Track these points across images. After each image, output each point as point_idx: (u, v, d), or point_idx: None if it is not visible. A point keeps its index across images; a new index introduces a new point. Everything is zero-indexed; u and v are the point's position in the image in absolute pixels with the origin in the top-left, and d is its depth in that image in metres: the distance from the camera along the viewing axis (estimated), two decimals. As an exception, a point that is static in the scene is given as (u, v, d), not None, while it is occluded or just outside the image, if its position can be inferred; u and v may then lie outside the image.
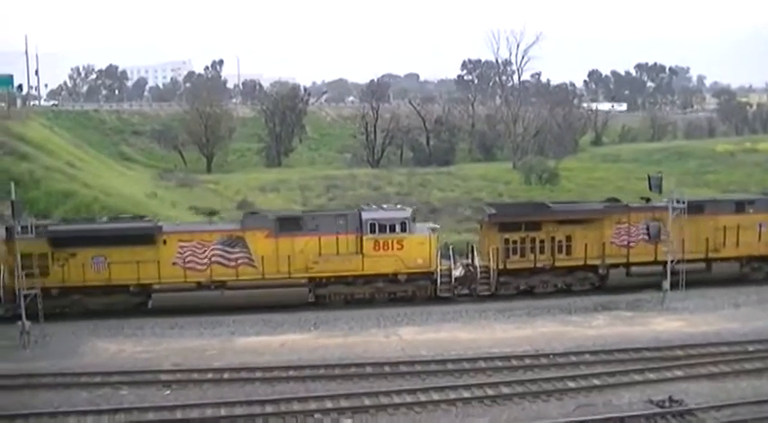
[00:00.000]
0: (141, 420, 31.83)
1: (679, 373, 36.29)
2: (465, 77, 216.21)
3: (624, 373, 36.16)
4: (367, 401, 33.37)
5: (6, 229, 49.65)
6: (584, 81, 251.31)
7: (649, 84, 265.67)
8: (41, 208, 65.84)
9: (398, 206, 55.36)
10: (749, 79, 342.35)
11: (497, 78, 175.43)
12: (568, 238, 52.44)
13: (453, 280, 51.51)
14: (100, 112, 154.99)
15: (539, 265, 52.35)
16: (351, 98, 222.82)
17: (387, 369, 37.49)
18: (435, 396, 33.86)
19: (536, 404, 33.26)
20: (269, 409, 32.66)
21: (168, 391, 35.32)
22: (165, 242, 49.47)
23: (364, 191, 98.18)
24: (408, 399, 33.61)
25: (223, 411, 32.46)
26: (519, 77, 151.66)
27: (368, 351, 40.59)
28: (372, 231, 50.15)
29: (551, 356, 39.02)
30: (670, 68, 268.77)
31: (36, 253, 47.69)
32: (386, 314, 48.20)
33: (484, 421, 31.70)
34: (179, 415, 32.21)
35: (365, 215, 50.78)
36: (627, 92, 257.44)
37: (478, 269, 51.88)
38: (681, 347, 39.78)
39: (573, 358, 38.72)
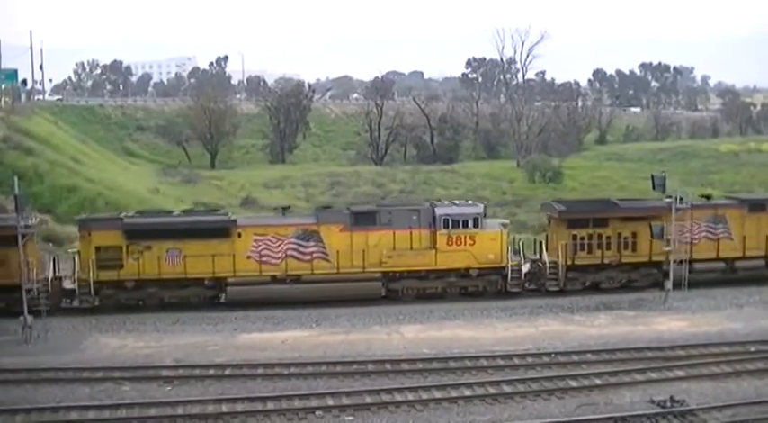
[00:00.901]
0: (143, 416, 31.84)
1: (681, 372, 36.23)
2: (470, 76, 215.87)
3: (626, 373, 36.10)
4: (368, 399, 33.35)
5: (82, 221, 50.74)
6: (589, 80, 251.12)
7: (654, 83, 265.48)
8: (45, 202, 66.03)
9: (470, 202, 55.44)
10: (754, 79, 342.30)
11: (502, 77, 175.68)
12: (634, 235, 52.85)
13: (523, 275, 51.98)
14: (104, 108, 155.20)
15: (605, 261, 52.57)
16: (355, 95, 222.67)
17: (388, 366, 37.46)
18: (437, 394, 33.84)
19: (537, 403, 33.22)
20: (270, 405, 32.64)
21: (170, 387, 35.35)
22: (239, 235, 49.82)
23: (368, 188, 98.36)
24: (410, 396, 33.57)
25: (224, 408, 32.44)
26: (523, 76, 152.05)
27: (370, 348, 40.58)
28: (446, 226, 50.39)
29: (553, 355, 38.99)
30: (674, 68, 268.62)
31: (111, 245, 48.51)
32: (388, 312, 48.19)
33: (485, 420, 31.67)
34: (180, 411, 32.20)
35: (439, 210, 51.00)
36: (631, 91, 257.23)
37: (547, 265, 52.24)
38: (683, 347, 39.71)
39: (575, 357, 38.67)
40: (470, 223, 50.52)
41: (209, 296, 50.33)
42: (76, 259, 49.11)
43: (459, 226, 50.36)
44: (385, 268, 50.44)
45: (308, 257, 50.04)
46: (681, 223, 51.81)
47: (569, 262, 52.11)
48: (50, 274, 49.24)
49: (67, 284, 50.39)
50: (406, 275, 50.94)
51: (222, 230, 49.73)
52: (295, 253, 49.94)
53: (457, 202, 54.67)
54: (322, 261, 50.12)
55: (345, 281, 49.86)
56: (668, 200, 51.82)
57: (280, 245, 49.90)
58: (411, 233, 50.51)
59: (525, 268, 52.73)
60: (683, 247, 51.83)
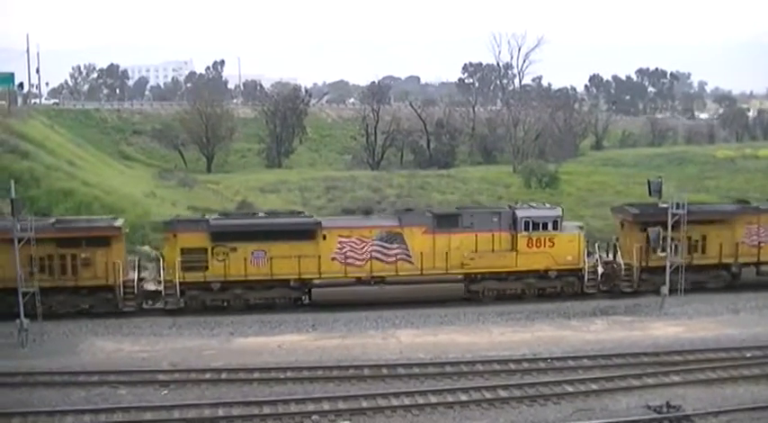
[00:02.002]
0: (139, 420, 31.84)
1: (677, 378, 36.33)
2: (466, 80, 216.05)
3: (622, 378, 36.21)
4: (364, 403, 33.41)
5: (168, 223, 51.84)
6: (586, 85, 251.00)
7: (650, 89, 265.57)
8: (41, 206, 65.75)
9: (547, 205, 56.47)
10: (750, 85, 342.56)
11: (498, 81, 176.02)
12: (703, 238, 53.95)
13: (599, 277, 52.73)
14: (101, 111, 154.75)
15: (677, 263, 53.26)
16: (352, 100, 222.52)
17: (384, 371, 37.53)
18: (433, 399, 33.91)
19: (533, 408, 33.30)
20: (266, 410, 32.71)
21: (166, 391, 35.35)
22: (324, 237, 50.70)
23: (364, 192, 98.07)
24: (406, 401, 33.66)
25: (221, 412, 32.50)
26: (520, 81, 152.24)
27: (366, 353, 40.64)
28: (526, 229, 51.64)
29: (549, 360, 39.05)
30: (671, 74, 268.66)
31: (197, 247, 49.25)
32: (384, 316, 48.28)
33: (481, 424, 31.73)
34: (176, 415, 32.25)
35: (520, 213, 52.16)
36: (628, 97, 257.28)
37: (622, 267, 53.21)
38: (679, 353, 39.83)
39: (571, 362, 38.76)
40: (550, 226, 51.80)
41: (294, 298, 51.00)
42: (161, 261, 49.98)
43: (539, 228, 51.70)
44: (467, 270, 51.57)
45: (392, 259, 51.04)
46: (750, 227, 53.59)
47: (643, 264, 53.01)
48: (135, 276, 50.10)
49: (150, 286, 51.23)
50: (486, 277, 51.86)
51: (308, 232, 50.65)
52: (379, 255, 50.94)
53: (534, 204, 55.89)
54: (405, 263, 51.13)
55: (428, 282, 50.77)
56: (738, 205, 54.53)
57: (364, 246, 50.92)
58: (492, 235, 51.61)
59: (600, 270, 53.60)
60: (752, 249, 53.86)
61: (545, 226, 51.67)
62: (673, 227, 51.55)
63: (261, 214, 56.10)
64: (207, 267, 49.65)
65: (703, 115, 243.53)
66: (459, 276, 51.45)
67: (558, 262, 51.94)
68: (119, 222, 51.49)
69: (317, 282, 50.44)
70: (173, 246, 49.73)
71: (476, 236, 51.36)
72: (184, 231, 50.00)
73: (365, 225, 51.86)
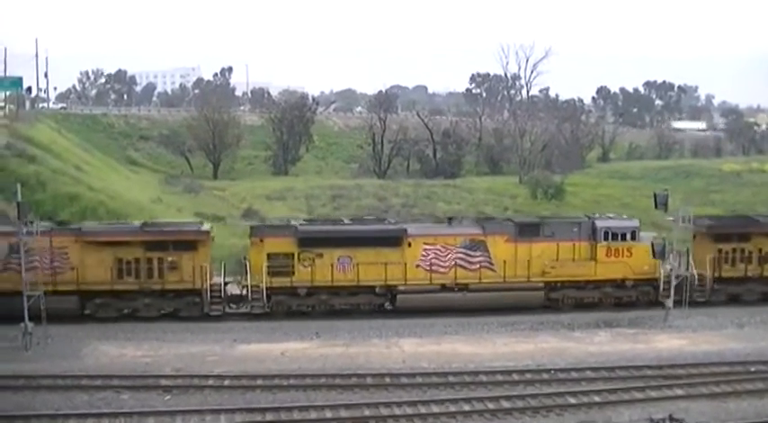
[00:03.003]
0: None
1: (680, 391, 36.26)
2: (473, 91, 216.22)
3: (625, 391, 36.13)
4: (367, 412, 33.39)
5: (256, 228, 52.69)
6: (593, 97, 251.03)
7: (658, 102, 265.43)
8: (47, 210, 65.82)
9: (624, 216, 57.31)
10: (758, 99, 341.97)
11: (506, 92, 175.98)
12: None
13: (673, 287, 52.61)
14: (108, 117, 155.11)
15: (748, 274, 54.47)
16: (359, 108, 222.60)
17: (387, 380, 37.48)
18: (435, 408, 33.86)
19: (536, 419, 33.28)
20: (269, 417, 32.69)
21: (168, 397, 35.35)
22: (410, 244, 51.15)
23: (370, 201, 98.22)
24: (408, 410, 33.62)
25: (223, 419, 32.48)
26: (527, 92, 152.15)
27: (369, 362, 40.59)
28: (606, 239, 52.37)
29: (552, 372, 38.99)
30: (678, 87, 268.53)
31: (283, 252, 49.89)
32: (387, 325, 48.27)
33: (483, 435, 31.69)
34: (179, 420, 32.26)
35: (599, 223, 53.00)
36: (635, 109, 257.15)
37: (695, 277, 53.59)
38: (682, 366, 39.72)
39: (574, 374, 38.69)
40: (628, 236, 52.35)
41: (379, 304, 51.45)
42: (248, 265, 50.14)
43: (618, 238, 52.34)
44: (547, 278, 52.15)
45: (476, 267, 51.59)
46: None
47: (715, 274, 53.86)
48: (222, 280, 50.49)
49: (234, 290, 51.52)
50: (566, 285, 52.45)
51: (394, 239, 51.18)
52: (462, 262, 51.31)
53: (611, 215, 56.83)
54: (488, 270, 51.55)
55: (510, 290, 51.27)
56: None
57: (448, 254, 51.36)
58: (573, 245, 52.35)
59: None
60: None
61: (623, 236, 52.48)
62: (745, 239, 53.48)
63: (346, 220, 56.85)
64: (293, 272, 50.26)
65: (700, 125, 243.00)
66: (540, 284, 52.11)
67: (635, 271, 52.62)
68: (206, 227, 52.46)
69: (402, 288, 50.93)
70: (259, 250, 50.30)
71: (557, 245, 52.21)
72: (272, 236, 50.72)
73: (450, 233, 52.34)
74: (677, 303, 51.47)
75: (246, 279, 49.91)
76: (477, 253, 51.52)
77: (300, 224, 52.85)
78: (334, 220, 60.74)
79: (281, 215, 79.15)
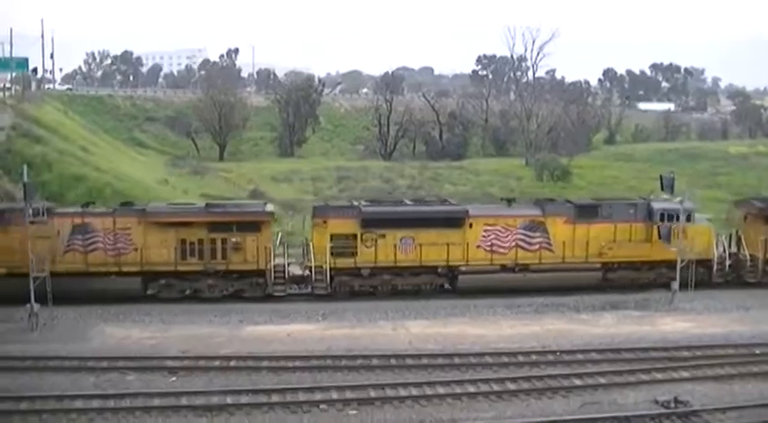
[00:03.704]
0: (147, 406, 31.89)
1: (685, 373, 36.23)
2: (480, 72, 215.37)
3: (630, 373, 36.10)
4: (372, 393, 33.40)
5: (319, 208, 52.91)
6: (599, 79, 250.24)
7: (664, 84, 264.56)
8: (54, 191, 66.02)
9: (679, 199, 56.87)
10: (764, 82, 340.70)
11: (512, 74, 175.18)
12: None
13: (727, 267, 53.94)
14: (114, 98, 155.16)
15: None
16: (365, 90, 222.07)
17: (393, 362, 37.50)
18: (441, 390, 33.87)
19: (541, 401, 33.26)
20: (275, 398, 32.70)
21: (174, 378, 35.41)
22: (471, 225, 51.55)
23: (376, 183, 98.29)
24: (414, 392, 33.62)
25: (229, 399, 32.51)
26: (534, 74, 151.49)
27: (375, 343, 40.58)
28: (662, 220, 52.70)
29: (558, 353, 39.00)
30: (685, 69, 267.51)
31: (347, 233, 50.34)
32: (394, 307, 48.25)
33: (489, 417, 31.69)
34: (184, 402, 32.28)
35: (655, 205, 53.63)
36: (641, 92, 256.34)
37: (747, 258, 54.46)
38: (688, 348, 39.70)
39: (579, 356, 38.67)
40: (683, 217, 52.24)
41: (440, 284, 52.00)
42: (310, 246, 50.68)
43: (673, 220, 52.47)
44: (605, 259, 52.71)
45: (535, 247, 52.25)
46: None
47: (767, 255, 54.45)
48: (285, 261, 51.12)
49: (296, 271, 52.12)
50: (622, 266, 53.00)
51: (455, 220, 51.62)
52: (522, 243, 51.89)
53: (665, 197, 56.59)
54: (547, 251, 52.24)
55: (568, 270, 51.86)
56: None
57: (508, 235, 51.89)
58: (630, 226, 53.14)
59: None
60: None
61: (679, 218, 52.53)
62: None
63: (408, 202, 57.19)
64: (355, 253, 50.66)
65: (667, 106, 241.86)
66: (597, 265, 52.70)
67: (691, 252, 52.59)
68: (269, 207, 52.91)
69: (463, 269, 51.45)
70: (322, 231, 50.66)
71: (614, 226, 52.81)
72: (335, 217, 51.02)
73: (510, 214, 52.81)
74: (731, 284, 53.08)
75: (310, 260, 50.54)
76: (537, 234, 52.18)
77: (363, 205, 53.06)
78: (396, 200, 61.48)
79: (288, 197, 79.18)
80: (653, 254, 52.94)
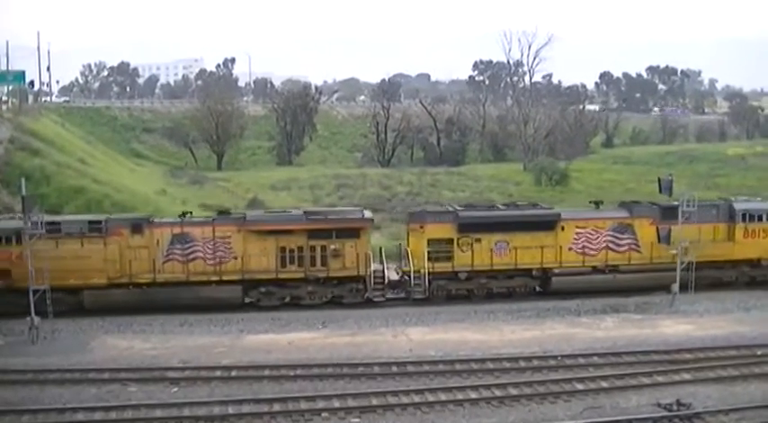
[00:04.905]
0: (149, 417, 31.86)
1: (687, 376, 36.21)
2: (476, 78, 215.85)
3: (632, 376, 36.10)
4: (375, 401, 33.37)
5: (416, 214, 54.24)
6: (596, 83, 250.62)
7: (661, 86, 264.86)
8: (52, 204, 65.87)
9: (758, 199, 58.92)
10: (762, 83, 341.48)
11: (509, 79, 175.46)
12: None
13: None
14: (111, 109, 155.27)
15: None
16: (362, 97, 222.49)
17: (395, 369, 37.48)
18: (443, 396, 33.84)
19: (544, 406, 33.22)
20: (276, 407, 32.68)
21: (176, 389, 35.38)
22: (563, 228, 52.75)
23: (374, 190, 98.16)
24: (416, 399, 33.60)
25: (231, 409, 32.48)
26: (530, 78, 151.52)
27: (376, 350, 40.57)
28: (743, 220, 54.50)
29: (559, 358, 38.98)
30: (682, 71, 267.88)
31: (443, 238, 51.14)
32: (394, 314, 48.35)
33: (491, 422, 31.67)
34: (186, 412, 32.26)
35: (737, 206, 55.35)
36: (638, 94, 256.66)
37: None
38: (689, 350, 39.71)
39: (581, 360, 38.65)
40: (765, 217, 54.83)
41: (533, 286, 52.93)
42: (408, 251, 51.56)
43: (755, 220, 54.62)
44: (690, 259, 52.52)
45: (624, 249, 53.28)
46: None
47: None
48: (383, 266, 51.80)
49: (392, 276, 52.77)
50: (705, 266, 53.27)
51: (548, 223, 52.76)
52: (611, 245, 52.77)
53: (743, 198, 58.76)
54: (635, 252, 53.35)
55: (655, 270, 52.80)
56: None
57: (598, 237, 52.86)
58: (713, 227, 54.57)
59: None
60: None
61: (760, 218, 54.55)
62: None
63: (501, 206, 58.03)
64: (452, 257, 51.24)
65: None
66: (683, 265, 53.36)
67: None
68: (368, 214, 53.40)
69: (556, 271, 52.33)
70: (419, 237, 51.63)
71: (698, 227, 53.33)
72: (433, 222, 51.90)
73: (600, 217, 53.69)
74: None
75: (408, 265, 51.30)
76: (625, 235, 53.24)
77: (460, 210, 53.79)
78: (489, 205, 62.11)
79: (287, 205, 79.10)
80: (735, 253, 54.34)
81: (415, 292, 51.18)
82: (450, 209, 54.65)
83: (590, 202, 58.10)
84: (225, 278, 49.56)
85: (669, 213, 52.93)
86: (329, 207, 66.26)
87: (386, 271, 51.65)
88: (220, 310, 48.27)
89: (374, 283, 50.89)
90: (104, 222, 49.23)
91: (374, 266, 51.19)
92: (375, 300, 51.06)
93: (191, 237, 49.53)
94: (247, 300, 50.41)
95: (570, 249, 52.53)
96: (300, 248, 50.05)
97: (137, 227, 49.24)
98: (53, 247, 47.21)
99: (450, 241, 51.40)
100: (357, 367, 37.64)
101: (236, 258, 49.62)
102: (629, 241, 53.14)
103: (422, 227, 51.68)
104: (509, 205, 58.55)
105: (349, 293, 50.86)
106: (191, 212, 53.21)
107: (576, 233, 52.68)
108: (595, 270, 52.66)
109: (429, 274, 50.68)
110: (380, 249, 53.10)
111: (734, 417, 31.47)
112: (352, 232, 50.54)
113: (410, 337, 43.37)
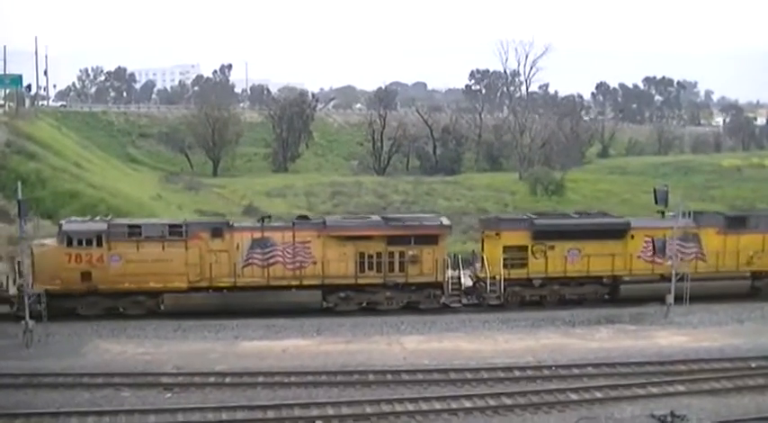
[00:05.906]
0: (142, 422, 31.80)
1: (682, 387, 36.21)
2: (473, 87, 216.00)
3: (626, 387, 36.10)
4: (368, 409, 33.34)
5: (491, 221, 55.18)
6: (592, 93, 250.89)
7: (657, 97, 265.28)
8: (48, 208, 65.86)
9: None
10: (757, 95, 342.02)
11: (505, 89, 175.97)
12: None
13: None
14: (108, 114, 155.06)
15: None
16: (358, 105, 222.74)
17: (389, 377, 37.44)
18: (437, 405, 33.82)
19: (538, 415, 33.23)
20: (270, 414, 32.64)
21: (170, 394, 35.31)
22: (632, 237, 53.30)
23: (370, 198, 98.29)
24: (410, 407, 33.57)
25: (224, 416, 32.41)
26: (527, 88, 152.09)
27: (370, 359, 40.51)
28: None
29: (554, 368, 38.97)
30: (678, 82, 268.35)
31: (518, 245, 52.18)
32: (389, 322, 48.21)
33: (485, 431, 31.67)
34: (180, 418, 32.19)
35: None
36: (634, 105, 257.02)
37: None
38: (684, 362, 39.73)
39: (575, 370, 38.65)
40: None
41: (603, 293, 53.72)
42: (484, 257, 51.96)
43: None
44: (753, 268, 55.05)
45: (690, 257, 53.53)
46: None
47: None
48: (460, 272, 52.25)
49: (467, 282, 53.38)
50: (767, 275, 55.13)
51: (619, 232, 53.31)
52: (679, 253, 52.48)
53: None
54: (701, 261, 54.04)
55: (720, 279, 53.87)
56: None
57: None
58: None
59: None
60: None
61: None
62: None
63: (573, 214, 58.56)
64: (526, 264, 52.07)
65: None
66: (747, 273, 54.90)
67: None
68: (446, 221, 53.41)
69: (626, 279, 52.95)
70: (495, 243, 52.19)
71: (763, 237, 54.60)
72: (508, 230, 52.57)
73: (667, 225, 53.37)
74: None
75: (483, 270, 51.70)
76: (691, 244, 53.61)
77: (534, 218, 54.29)
78: (562, 213, 62.70)
79: (282, 212, 79.11)
80: None
81: (490, 298, 51.64)
82: (524, 217, 55.33)
83: (657, 212, 58.44)
84: (305, 283, 49.84)
85: (734, 222, 54.15)
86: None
87: (461, 277, 52.07)
88: (300, 315, 48.66)
89: (451, 289, 51.32)
90: (185, 226, 49.49)
91: (449, 272, 51.54)
92: (452, 305, 51.49)
93: (271, 241, 49.65)
94: (325, 304, 50.65)
95: (639, 257, 53.07)
96: (379, 254, 50.29)
97: (217, 231, 49.50)
98: (134, 251, 47.87)
99: (525, 248, 52.08)
100: (351, 375, 37.58)
101: (315, 263, 49.82)
102: (694, 250, 53.64)
103: (498, 234, 52.32)
104: (581, 214, 59.00)
105: (426, 299, 51.15)
106: (269, 217, 53.81)
107: (645, 241, 53.18)
108: (663, 278, 52.45)
109: (504, 280, 51.12)
110: (456, 256, 53.20)
111: (728, 429, 31.50)
112: (430, 238, 50.79)
113: (404, 346, 43.33)
